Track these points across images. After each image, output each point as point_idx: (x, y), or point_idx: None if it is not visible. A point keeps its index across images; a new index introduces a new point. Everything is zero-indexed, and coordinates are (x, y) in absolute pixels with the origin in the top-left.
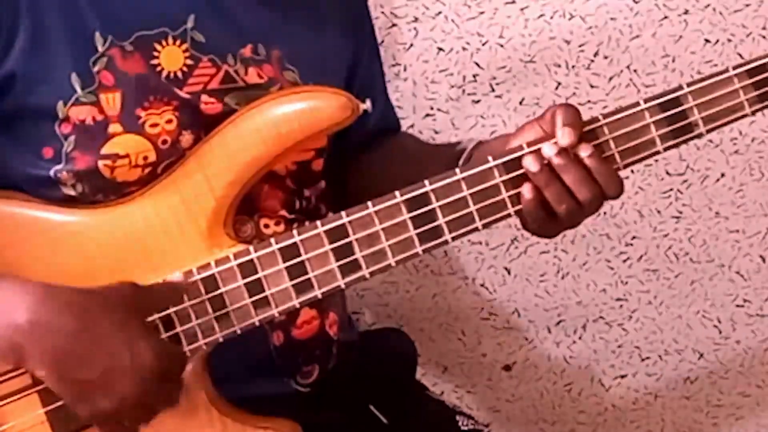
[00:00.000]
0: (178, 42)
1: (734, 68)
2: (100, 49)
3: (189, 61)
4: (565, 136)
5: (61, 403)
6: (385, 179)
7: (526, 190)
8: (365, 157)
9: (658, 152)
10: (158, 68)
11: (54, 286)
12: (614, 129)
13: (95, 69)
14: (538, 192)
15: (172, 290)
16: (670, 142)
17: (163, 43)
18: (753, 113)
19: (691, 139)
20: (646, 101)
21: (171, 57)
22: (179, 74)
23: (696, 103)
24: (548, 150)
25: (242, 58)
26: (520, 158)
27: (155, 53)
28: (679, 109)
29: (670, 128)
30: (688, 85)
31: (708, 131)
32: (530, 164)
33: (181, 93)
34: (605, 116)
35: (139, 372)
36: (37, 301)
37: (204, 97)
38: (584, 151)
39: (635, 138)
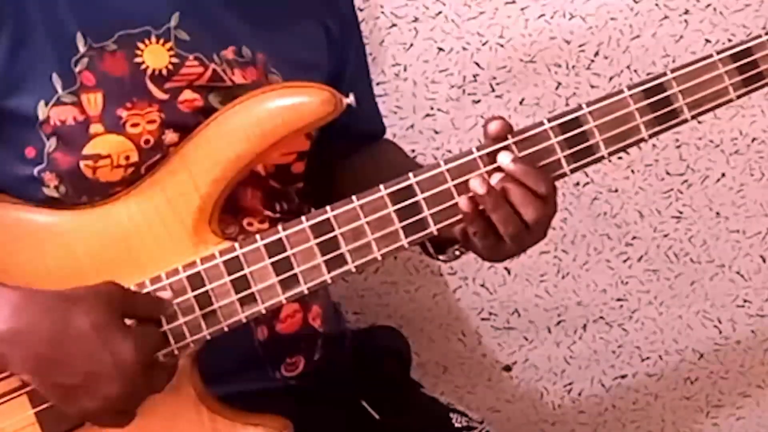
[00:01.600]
0: (161, 41)
1: (718, 53)
2: (82, 49)
3: (174, 60)
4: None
5: (50, 404)
6: (370, 185)
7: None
8: (351, 163)
9: (643, 139)
10: (142, 66)
11: (33, 291)
12: (599, 116)
13: (77, 69)
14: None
15: (157, 303)
16: (655, 129)
17: (146, 41)
18: (738, 98)
19: (677, 125)
20: (629, 88)
21: (155, 55)
22: (164, 72)
23: (680, 89)
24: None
25: (226, 59)
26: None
27: (138, 51)
28: (663, 95)
29: (654, 115)
30: (672, 71)
31: (693, 117)
32: (477, 186)
33: (163, 93)
34: (589, 104)
35: (122, 370)
36: (16, 308)
37: (186, 93)
38: (505, 158)
39: (620, 125)
